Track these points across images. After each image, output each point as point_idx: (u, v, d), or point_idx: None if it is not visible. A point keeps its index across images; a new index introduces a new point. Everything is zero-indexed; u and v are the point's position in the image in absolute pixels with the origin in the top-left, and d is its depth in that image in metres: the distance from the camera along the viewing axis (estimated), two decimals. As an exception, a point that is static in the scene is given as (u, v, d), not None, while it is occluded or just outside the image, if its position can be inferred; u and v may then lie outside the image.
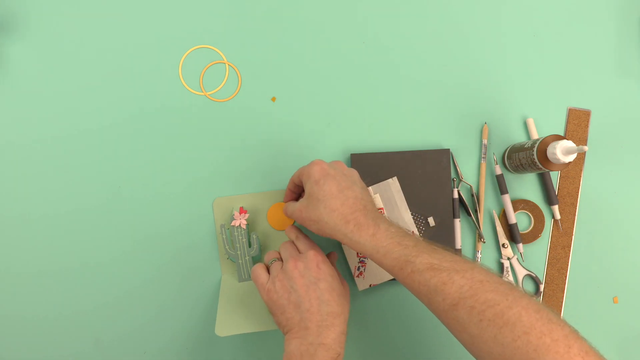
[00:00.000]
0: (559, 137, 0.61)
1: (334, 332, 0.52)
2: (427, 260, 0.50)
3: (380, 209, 0.69)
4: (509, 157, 0.69)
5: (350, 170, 0.60)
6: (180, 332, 0.70)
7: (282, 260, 0.60)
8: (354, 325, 0.70)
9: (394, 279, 0.69)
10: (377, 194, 0.69)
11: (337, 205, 0.54)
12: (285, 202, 0.64)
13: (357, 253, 0.68)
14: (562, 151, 0.59)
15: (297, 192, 0.64)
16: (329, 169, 0.57)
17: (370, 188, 0.69)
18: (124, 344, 0.70)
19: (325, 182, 0.55)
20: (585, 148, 0.55)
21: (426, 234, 0.69)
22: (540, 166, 0.62)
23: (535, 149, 0.62)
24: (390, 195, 0.69)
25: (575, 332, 0.44)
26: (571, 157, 0.59)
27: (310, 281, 0.55)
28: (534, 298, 0.47)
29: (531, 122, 0.70)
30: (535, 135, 0.70)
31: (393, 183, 0.69)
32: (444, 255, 0.50)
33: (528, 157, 0.63)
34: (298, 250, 0.60)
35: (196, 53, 0.71)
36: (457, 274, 0.48)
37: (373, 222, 0.54)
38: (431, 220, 0.69)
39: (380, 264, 0.53)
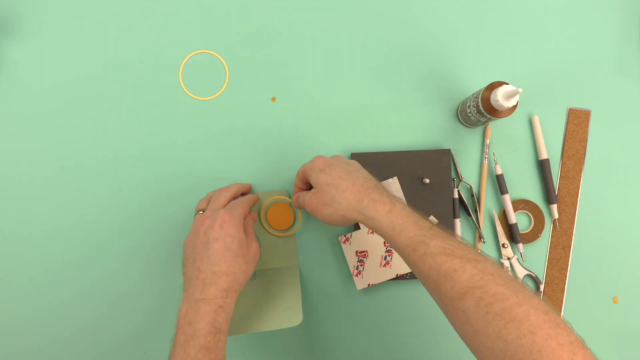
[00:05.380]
0: (501, 83, 0.61)
1: (215, 289, 0.54)
2: (441, 244, 0.48)
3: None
4: (461, 111, 0.69)
5: (352, 160, 0.61)
6: (180, 332, 0.70)
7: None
8: (352, 324, 0.70)
9: (392, 279, 0.69)
10: (377, 194, 0.69)
11: (348, 185, 0.55)
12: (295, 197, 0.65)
13: (357, 252, 0.68)
14: (503, 96, 0.59)
15: (304, 189, 0.64)
16: (331, 159, 0.59)
17: (370, 188, 0.69)
18: (124, 344, 0.70)
19: (331, 169, 0.57)
20: (520, 90, 0.56)
21: (426, 233, 0.69)
22: (485, 113, 0.62)
23: (479, 97, 0.62)
24: (390, 195, 0.69)
25: (581, 341, 0.42)
26: (513, 101, 0.59)
27: (208, 240, 0.56)
28: (544, 300, 0.46)
29: (536, 120, 0.70)
30: (539, 134, 0.70)
31: (393, 183, 0.69)
32: (458, 243, 0.49)
33: (474, 106, 0.64)
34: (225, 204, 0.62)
35: (196, 57, 0.71)
36: (469, 263, 0.47)
37: (388, 199, 0.54)
38: (431, 220, 0.69)
39: (394, 242, 0.52)
